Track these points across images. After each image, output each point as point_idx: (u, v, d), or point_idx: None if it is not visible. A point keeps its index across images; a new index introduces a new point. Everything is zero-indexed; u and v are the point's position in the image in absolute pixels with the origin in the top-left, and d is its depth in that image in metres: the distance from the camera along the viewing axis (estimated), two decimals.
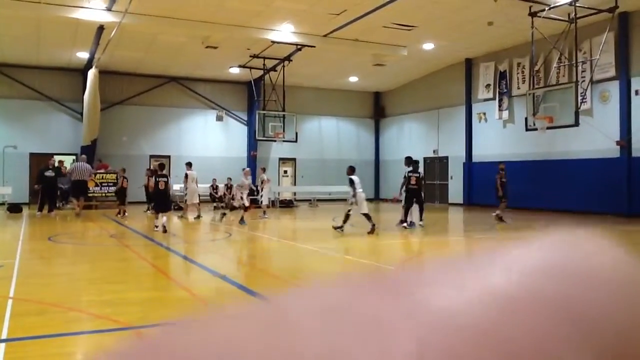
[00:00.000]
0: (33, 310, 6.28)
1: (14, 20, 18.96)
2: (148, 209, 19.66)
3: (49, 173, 19.53)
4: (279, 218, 21.01)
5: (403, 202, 15.78)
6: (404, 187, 15.68)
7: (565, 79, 19.68)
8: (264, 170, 20.23)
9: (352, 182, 14.24)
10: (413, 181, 15.57)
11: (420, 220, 15.62)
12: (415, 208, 15.80)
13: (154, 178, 15.72)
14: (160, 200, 15.00)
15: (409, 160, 16.08)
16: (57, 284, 7.94)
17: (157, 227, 14.66)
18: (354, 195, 14.10)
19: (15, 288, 7.38)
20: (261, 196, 19.60)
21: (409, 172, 15.75)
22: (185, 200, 19.44)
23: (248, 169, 18.51)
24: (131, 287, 7.73)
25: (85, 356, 4.98)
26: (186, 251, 11.76)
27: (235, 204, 17.04)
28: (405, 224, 15.39)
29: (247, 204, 16.97)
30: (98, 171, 22.03)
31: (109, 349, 0.26)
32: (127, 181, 20.39)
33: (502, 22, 19.64)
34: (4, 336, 5.21)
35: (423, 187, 16.17)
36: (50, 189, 19.51)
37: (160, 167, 15.74)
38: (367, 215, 14.02)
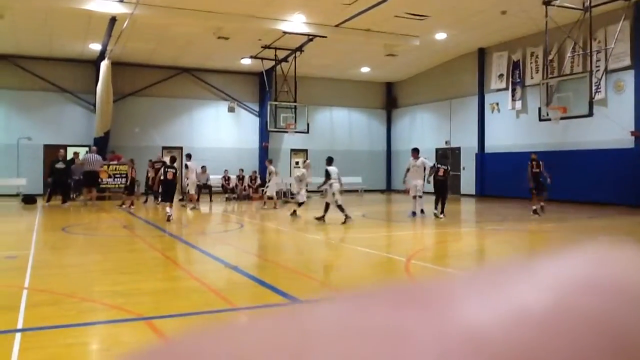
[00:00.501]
0: (47, 300, 6.35)
1: (27, 12, 19.06)
2: (158, 200, 19.79)
3: (60, 165, 19.73)
4: (290, 209, 21.03)
5: (411, 192, 16.26)
6: (431, 176, 16.10)
7: (579, 69, 19.47)
8: (270, 162, 20.21)
9: (327, 173, 14.85)
10: (441, 173, 16.02)
11: (442, 212, 15.78)
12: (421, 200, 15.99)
13: (162, 169, 16.25)
14: (169, 190, 15.66)
15: (416, 152, 16.44)
16: (71, 274, 8.02)
17: (171, 214, 15.09)
18: (330, 185, 14.70)
19: (30, 279, 7.46)
20: (267, 187, 19.54)
21: (437, 164, 16.41)
22: (188, 191, 19.64)
23: (270, 159, 18.99)
24: (144, 278, 7.79)
25: (102, 347, 5.04)
26: (198, 242, 11.81)
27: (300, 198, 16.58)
28: (436, 212, 15.83)
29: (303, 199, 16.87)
30: (110, 162, 22.15)
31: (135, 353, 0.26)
32: (136, 172, 20.51)
33: (516, 11, 19.44)
34: (19, 326, 5.27)
35: (449, 180, 16.58)
36: (62, 181, 19.71)
37: (171, 159, 16.33)
38: (341, 207, 14.41)
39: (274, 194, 19.59)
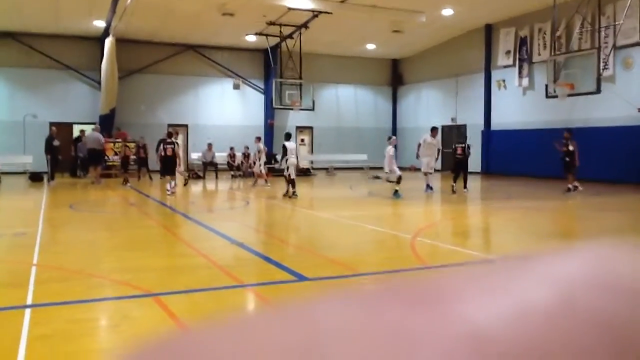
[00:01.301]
0: (56, 277, 6.42)
1: None
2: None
3: (56, 142, 19.83)
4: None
5: (423, 168, 16.89)
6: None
7: (587, 45, 19.28)
8: (259, 139, 19.97)
9: (284, 148, 15.60)
10: (459, 151, 16.86)
11: (465, 187, 16.63)
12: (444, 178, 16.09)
13: (161, 145, 16.64)
14: (167, 165, 16.24)
15: (435, 130, 16.84)
16: (78, 251, 8.09)
17: (168, 190, 15.76)
18: (286, 160, 15.45)
19: (38, 255, 7.53)
20: (258, 165, 19.37)
21: (456, 143, 17.27)
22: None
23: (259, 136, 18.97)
24: (151, 254, 7.86)
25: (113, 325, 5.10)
26: (204, 219, 11.87)
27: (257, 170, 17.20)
28: (454, 185, 16.49)
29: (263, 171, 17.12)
30: (115, 140, 22.18)
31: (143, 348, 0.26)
32: (144, 150, 20.58)
33: None
34: (29, 302, 5.35)
35: (469, 157, 17.24)
36: (56, 158, 19.82)
37: (168, 135, 16.94)
38: (292, 181, 15.37)
39: (263, 170, 19.42)
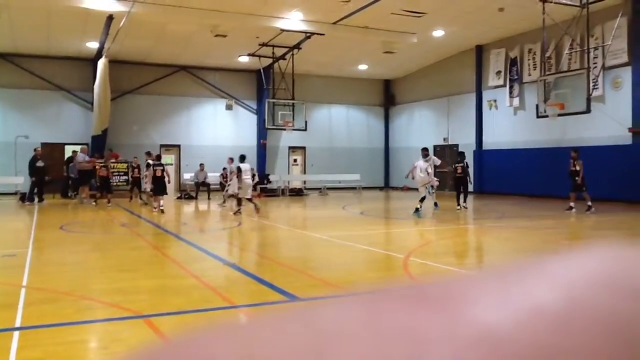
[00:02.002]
0: (45, 298, 6.35)
1: (25, 10, 19.02)
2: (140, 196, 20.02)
3: (40, 164, 19.89)
4: (289, 206, 21.06)
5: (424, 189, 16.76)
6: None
7: (576, 65, 19.49)
8: (231, 160, 19.62)
9: (239, 169, 16.37)
10: (459, 170, 17.86)
11: (465, 202, 17.60)
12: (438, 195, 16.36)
13: (151, 167, 17.70)
14: (158, 185, 17.32)
15: (426, 151, 16.82)
16: (69, 272, 8.02)
17: (155, 208, 16.99)
18: (241, 181, 16.28)
19: (28, 277, 7.46)
20: (228, 185, 19.15)
21: (455, 163, 18.22)
22: (146, 189, 19.81)
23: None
24: (142, 275, 7.79)
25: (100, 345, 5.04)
26: (196, 239, 11.81)
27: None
28: (458, 208, 17.34)
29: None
30: (107, 161, 22.11)
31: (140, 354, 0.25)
32: (136, 170, 20.56)
33: (513, 8, 19.45)
34: (17, 324, 5.28)
35: (469, 175, 18.23)
36: (41, 179, 19.94)
37: (157, 157, 18.31)
38: (240, 200, 16.41)
39: (235, 192, 19.03)
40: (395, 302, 0.25)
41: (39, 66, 25.09)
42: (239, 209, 16.40)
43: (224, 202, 19.52)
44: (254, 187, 24.20)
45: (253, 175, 16.84)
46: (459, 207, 17.44)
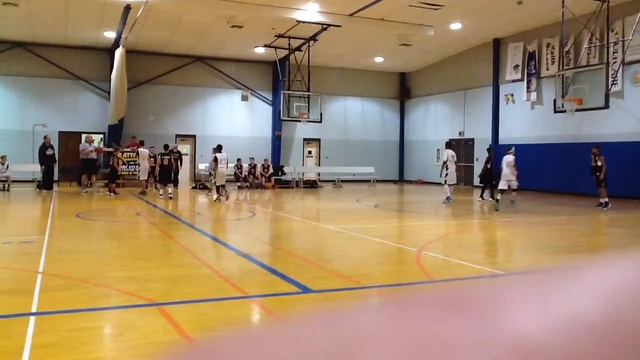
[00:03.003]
0: (61, 285, 6.43)
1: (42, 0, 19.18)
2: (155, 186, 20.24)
3: (50, 152, 20.07)
4: (303, 198, 21.09)
5: (446, 180, 17.73)
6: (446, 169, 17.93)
7: (595, 60, 19.25)
8: (217, 149, 19.26)
9: (215, 159, 17.44)
10: (488, 165, 18.63)
11: (491, 197, 17.90)
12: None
13: (159, 156, 18.78)
14: (165, 174, 18.39)
15: (449, 144, 18.59)
16: (84, 259, 8.11)
17: (161, 195, 18.00)
18: (214, 169, 17.46)
19: (44, 263, 7.56)
20: (213, 177, 19.03)
21: (488, 158, 19.00)
22: (139, 177, 20.27)
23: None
24: (156, 264, 7.86)
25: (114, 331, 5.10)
26: (210, 230, 11.88)
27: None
28: (492, 199, 17.49)
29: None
30: (124, 150, 22.27)
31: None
32: (152, 160, 20.65)
33: (532, 1, 19.23)
34: (34, 310, 5.35)
35: (491, 170, 18.75)
36: (51, 167, 20.14)
37: (164, 147, 19.14)
38: (222, 186, 17.43)
39: (223, 183, 18.93)
40: (427, 307, 0.24)
41: (56, 55, 25.30)
42: (218, 196, 17.32)
43: (209, 192, 19.62)
44: (268, 179, 24.47)
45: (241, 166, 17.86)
46: (494, 200, 17.42)
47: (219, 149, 17.80)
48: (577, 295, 0.23)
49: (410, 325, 0.23)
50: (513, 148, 16.69)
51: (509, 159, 15.90)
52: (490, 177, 18.39)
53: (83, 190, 19.98)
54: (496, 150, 25.22)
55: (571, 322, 0.22)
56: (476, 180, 26.34)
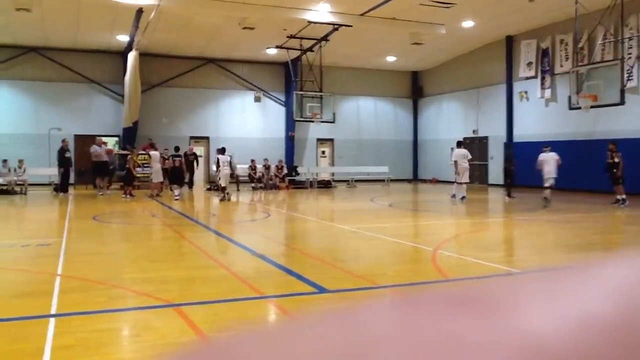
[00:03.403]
0: (79, 287, 6.49)
1: (56, 4, 19.34)
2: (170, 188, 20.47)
3: (68, 154, 20.34)
4: (317, 198, 21.10)
5: (461, 179, 18.04)
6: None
7: (610, 56, 19.08)
8: (219, 151, 19.09)
9: (217, 161, 18.20)
10: (510, 165, 18.77)
11: (509, 195, 18.33)
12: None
13: (170, 158, 19.27)
14: (176, 175, 18.90)
15: (459, 143, 18.84)
16: (101, 261, 8.17)
17: (176, 197, 18.21)
18: (219, 171, 18.04)
19: (62, 266, 7.63)
20: (218, 178, 18.87)
21: (508, 156, 19.25)
22: (151, 180, 20.25)
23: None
24: (172, 266, 7.90)
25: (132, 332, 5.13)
26: (225, 231, 11.93)
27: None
28: (508, 198, 18.24)
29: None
30: (140, 152, 22.41)
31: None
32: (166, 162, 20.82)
33: None
34: (53, 311, 5.41)
35: (507, 168, 19.08)
36: (68, 170, 20.38)
37: (175, 149, 19.83)
38: (224, 188, 17.93)
39: (227, 184, 18.95)
40: (438, 305, 0.24)
41: (70, 59, 25.53)
42: (223, 196, 17.92)
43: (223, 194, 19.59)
44: (282, 179, 24.51)
45: (234, 167, 18.69)
46: (513, 197, 18.15)
47: (221, 151, 18.34)
48: (589, 295, 0.23)
49: (422, 324, 0.23)
50: (549, 147, 16.88)
51: (554, 156, 16.23)
52: (512, 175, 18.62)
53: (99, 193, 20.14)
54: (510, 147, 25.12)
55: (583, 321, 0.21)
56: (491, 179, 26.23)
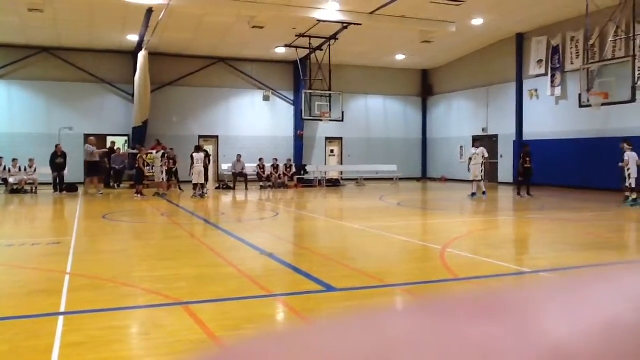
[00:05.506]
0: (88, 285, 6.52)
1: (68, 5, 19.46)
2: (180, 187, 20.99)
3: (59, 160, 20.70)
4: (326, 197, 21.09)
5: (478, 176, 18.44)
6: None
7: (621, 53, 18.92)
8: (197, 149, 19.96)
9: (192, 158, 19.05)
10: (528, 163, 18.81)
11: (528, 193, 18.62)
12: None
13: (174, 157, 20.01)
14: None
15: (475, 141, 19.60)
16: (111, 260, 8.21)
17: (196, 194, 18.65)
18: (194, 168, 18.87)
19: (72, 264, 7.67)
20: (191, 175, 19.51)
21: (524, 154, 19.10)
22: (159, 179, 20.33)
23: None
24: (181, 264, 7.92)
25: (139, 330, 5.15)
26: (234, 229, 11.95)
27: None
28: (527, 195, 18.48)
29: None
30: (148, 152, 22.50)
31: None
32: (172, 161, 21.03)
33: None
34: (62, 309, 5.44)
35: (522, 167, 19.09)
36: (61, 174, 20.72)
37: (195, 148, 19.99)
38: (195, 185, 18.75)
39: (202, 181, 19.17)
40: (463, 310, 0.24)
41: (81, 59, 25.67)
42: (200, 193, 18.59)
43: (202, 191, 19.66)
44: (291, 178, 24.54)
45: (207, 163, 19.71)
46: (529, 195, 18.37)
47: (196, 149, 19.16)
48: (611, 299, 0.22)
49: (446, 330, 0.23)
50: (625, 143, 16.30)
51: (635, 155, 15.68)
52: (529, 174, 18.61)
53: (98, 193, 20.16)
54: (520, 145, 24.98)
55: (605, 326, 0.21)
56: (502, 177, 26.11)
